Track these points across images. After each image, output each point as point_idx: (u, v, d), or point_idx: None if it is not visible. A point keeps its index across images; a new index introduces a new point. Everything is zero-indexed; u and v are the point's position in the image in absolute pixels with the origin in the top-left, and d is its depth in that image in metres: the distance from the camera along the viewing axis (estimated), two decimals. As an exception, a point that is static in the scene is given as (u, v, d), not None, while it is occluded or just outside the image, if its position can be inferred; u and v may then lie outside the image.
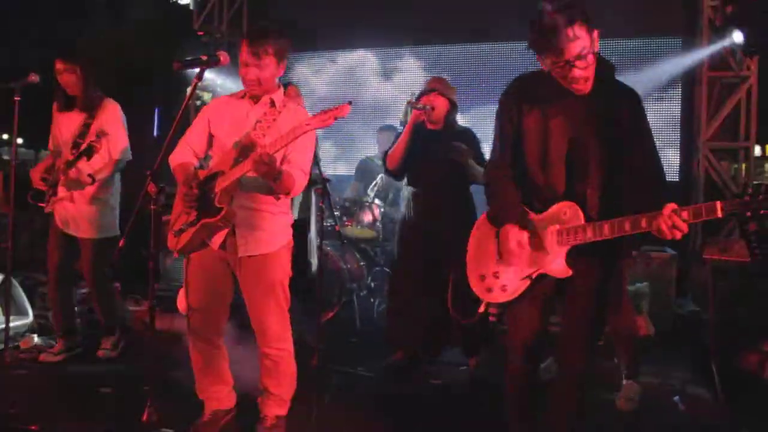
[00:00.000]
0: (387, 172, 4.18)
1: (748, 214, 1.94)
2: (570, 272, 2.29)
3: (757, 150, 6.50)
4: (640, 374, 3.61)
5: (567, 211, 2.30)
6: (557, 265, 2.30)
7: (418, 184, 4.09)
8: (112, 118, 4.00)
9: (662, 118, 6.22)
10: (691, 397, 3.62)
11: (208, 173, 2.83)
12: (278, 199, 2.87)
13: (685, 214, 2.03)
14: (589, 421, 3.28)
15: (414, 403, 3.38)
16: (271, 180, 2.65)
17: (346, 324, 4.84)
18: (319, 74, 7.44)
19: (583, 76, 2.22)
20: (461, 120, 4.40)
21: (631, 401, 3.49)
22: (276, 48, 2.77)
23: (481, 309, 2.53)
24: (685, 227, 2.03)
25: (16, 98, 3.51)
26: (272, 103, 2.87)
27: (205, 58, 2.59)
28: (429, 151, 3.98)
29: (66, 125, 3.99)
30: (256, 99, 2.88)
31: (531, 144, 2.39)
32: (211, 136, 2.94)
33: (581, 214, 2.27)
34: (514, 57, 6.41)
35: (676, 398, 3.58)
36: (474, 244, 2.62)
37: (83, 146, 3.81)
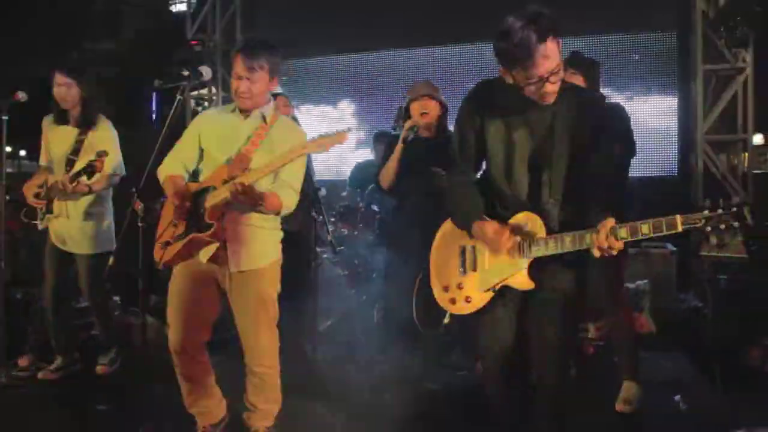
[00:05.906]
0: (381, 190, 4.16)
1: (708, 229, 1.92)
2: (533, 285, 2.26)
3: (760, 138, 6.43)
4: (640, 373, 3.58)
5: (528, 223, 2.26)
6: (520, 277, 2.27)
7: (405, 194, 4.05)
8: (106, 134, 3.98)
9: (658, 113, 6.18)
10: (693, 394, 3.59)
11: (199, 187, 2.80)
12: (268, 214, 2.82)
13: (623, 232, 2.02)
14: (588, 421, 3.29)
15: (410, 409, 3.36)
16: (251, 206, 2.65)
17: (345, 330, 4.81)
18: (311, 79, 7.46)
19: (554, 90, 2.17)
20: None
21: (630, 402, 3.46)
22: (270, 63, 2.76)
23: (446, 320, 2.51)
24: (619, 245, 2.02)
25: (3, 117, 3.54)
26: (263, 118, 2.85)
27: (186, 74, 2.57)
28: (421, 163, 3.88)
29: (58, 140, 3.95)
30: (246, 113, 2.86)
31: (495, 154, 2.33)
32: (201, 150, 2.92)
33: (543, 226, 2.23)
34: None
35: (677, 397, 3.54)
36: (437, 255, 2.58)
37: (83, 165, 3.80)
